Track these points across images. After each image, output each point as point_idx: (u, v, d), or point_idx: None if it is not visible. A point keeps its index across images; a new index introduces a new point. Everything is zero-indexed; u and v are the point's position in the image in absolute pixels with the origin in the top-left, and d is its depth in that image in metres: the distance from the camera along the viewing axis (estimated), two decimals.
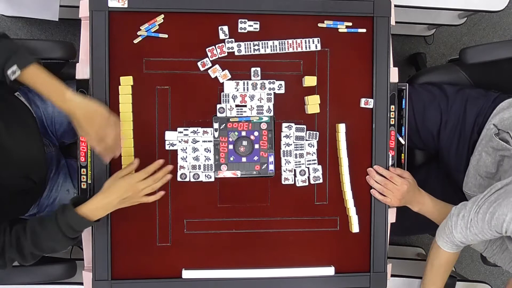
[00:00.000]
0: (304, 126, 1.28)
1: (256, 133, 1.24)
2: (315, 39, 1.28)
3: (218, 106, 1.25)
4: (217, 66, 1.26)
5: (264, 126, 1.23)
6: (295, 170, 1.29)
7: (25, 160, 1.24)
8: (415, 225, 1.51)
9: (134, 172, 1.18)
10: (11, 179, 1.22)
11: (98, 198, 1.15)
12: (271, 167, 1.24)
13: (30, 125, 1.32)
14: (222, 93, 1.25)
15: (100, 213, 1.15)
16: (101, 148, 1.13)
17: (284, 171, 1.29)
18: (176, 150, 1.26)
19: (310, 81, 1.27)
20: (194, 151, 1.25)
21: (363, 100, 1.29)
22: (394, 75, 1.32)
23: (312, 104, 1.27)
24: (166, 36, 1.25)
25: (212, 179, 1.26)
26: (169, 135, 1.25)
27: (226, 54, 1.26)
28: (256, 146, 1.24)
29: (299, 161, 1.29)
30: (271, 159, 1.24)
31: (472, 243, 1.21)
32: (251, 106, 1.26)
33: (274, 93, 1.27)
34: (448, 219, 1.20)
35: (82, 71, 1.25)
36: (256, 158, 1.24)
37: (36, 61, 1.08)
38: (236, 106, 1.26)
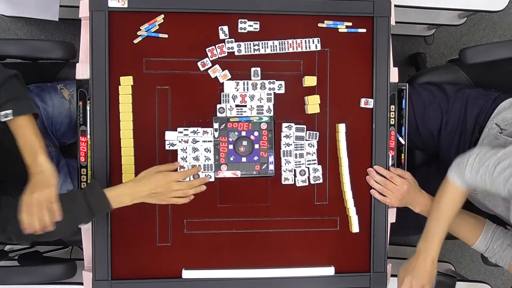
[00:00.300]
0: (304, 126, 1.28)
1: (256, 133, 1.24)
2: (315, 39, 1.28)
3: (218, 106, 1.25)
4: (217, 66, 1.26)
5: (264, 126, 1.23)
6: (295, 170, 1.29)
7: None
8: (415, 225, 1.50)
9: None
10: (12, 180, 1.22)
11: (128, 184, 1.14)
12: (271, 167, 1.24)
13: None
14: (222, 93, 1.25)
15: (126, 200, 1.14)
16: (28, 219, 1.06)
17: (284, 171, 1.29)
18: (176, 150, 1.26)
19: (310, 81, 1.27)
20: (194, 151, 1.25)
21: (363, 100, 1.29)
22: (394, 75, 1.32)
23: (312, 104, 1.27)
24: (166, 36, 1.25)
25: (212, 179, 1.26)
26: (169, 135, 1.25)
27: (226, 54, 1.26)
28: (256, 146, 1.24)
29: (299, 161, 1.29)
30: (271, 159, 1.24)
31: (476, 190, 1.19)
32: (251, 106, 1.26)
33: (274, 93, 1.27)
34: (468, 155, 1.17)
35: (82, 71, 1.25)
36: (256, 158, 1.24)
37: (32, 113, 1.10)
38: (236, 106, 1.26)
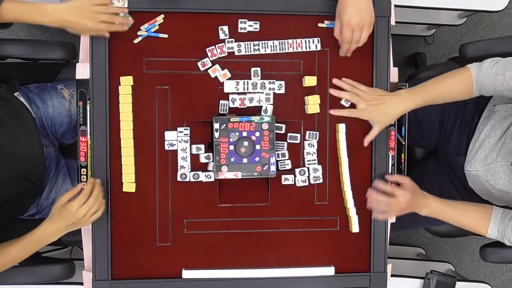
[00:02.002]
0: (298, 135, 1.28)
1: (257, 134, 1.23)
2: (315, 39, 1.28)
3: (223, 102, 1.25)
4: (217, 66, 1.26)
5: (265, 126, 1.22)
6: (295, 170, 1.29)
7: (24, 160, 1.24)
8: (413, 220, 1.50)
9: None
10: (10, 180, 1.22)
11: (44, 225, 1.16)
12: (273, 168, 1.23)
13: (29, 126, 1.32)
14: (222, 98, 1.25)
15: (50, 239, 1.17)
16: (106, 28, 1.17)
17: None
18: (176, 150, 1.26)
19: (310, 81, 1.27)
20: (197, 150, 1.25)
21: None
22: (394, 75, 1.32)
23: (312, 104, 1.27)
24: (166, 36, 1.25)
25: (212, 179, 1.26)
26: (169, 135, 1.25)
27: (226, 54, 1.26)
28: (258, 146, 1.23)
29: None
30: (273, 160, 1.23)
31: (484, 87, 1.18)
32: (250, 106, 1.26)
33: (274, 93, 1.27)
34: (491, 59, 1.18)
35: (82, 71, 1.24)
36: (257, 159, 1.23)
37: None
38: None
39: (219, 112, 1.26)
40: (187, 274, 1.26)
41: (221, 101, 1.26)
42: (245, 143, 1.22)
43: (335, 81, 1.28)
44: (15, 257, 1.18)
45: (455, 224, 1.28)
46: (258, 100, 1.26)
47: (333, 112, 1.27)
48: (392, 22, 1.30)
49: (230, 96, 1.25)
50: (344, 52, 1.27)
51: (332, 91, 1.27)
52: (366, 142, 1.26)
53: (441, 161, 1.58)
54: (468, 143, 1.41)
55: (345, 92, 1.26)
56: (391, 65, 1.31)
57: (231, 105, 1.25)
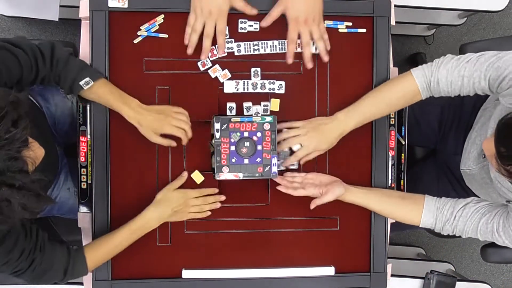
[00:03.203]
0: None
1: (259, 134, 1.22)
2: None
3: (229, 104, 1.26)
4: (217, 66, 1.25)
5: (267, 126, 1.21)
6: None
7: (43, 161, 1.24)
8: None
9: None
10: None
11: (151, 209, 1.19)
12: (274, 169, 1.22)
13: (43, 125, 1.33)
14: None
15: (154, 224, 1.20)
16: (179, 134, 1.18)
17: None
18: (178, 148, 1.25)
19: (274, 104, 1.26)
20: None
21: None
22: (394, 75, 1.32)
23: (274, 104, 1.27)
24: (166, 36, 1.25)
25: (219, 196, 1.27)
26: None
27: (226, 54, 1.26)
28: (259, 147, 1.22)
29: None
30: (274, 160, 1.22)
31: (444, 88, 1.15)
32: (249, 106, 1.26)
33: (274, 93, 1.27)
34: (442, 57, 1.16)
35: None
36: (259, 159, 1.22)
37: (104, 76, 1.18)
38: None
39: (228, 114, 1.26)
40: (187, 274, 1.26)
41: (228, 104, 1.26)
42: (246, 144, 1.21)
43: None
44: (122, 243, 1.18)
45: (379, 213, 1.27)
46: (256, 112, 1.26)
47: (285, 164, 1.27)
48: (392, 22, 1.30)
49: (228, 105, 1.26)
50: (290, 54, 1.21)
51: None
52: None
53: (439, 161, 1.58)
54: (464, 142, 1.41)
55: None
56: (391, 65, 1.31)
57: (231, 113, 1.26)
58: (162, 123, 1.16)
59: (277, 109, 1.27)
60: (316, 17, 1.16)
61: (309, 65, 1.23)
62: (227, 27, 1.24)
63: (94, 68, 1.20)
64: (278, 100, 1.26)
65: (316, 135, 1.23)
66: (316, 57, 1.28)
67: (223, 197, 1.25)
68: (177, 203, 1.20)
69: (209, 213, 1.25)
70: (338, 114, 1.23)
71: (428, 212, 1.23)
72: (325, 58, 1.24)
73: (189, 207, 1.22)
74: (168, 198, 1.20)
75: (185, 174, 1.24)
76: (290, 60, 1.23)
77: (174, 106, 1.20)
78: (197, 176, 1.25)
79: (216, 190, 1.25)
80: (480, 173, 1.31)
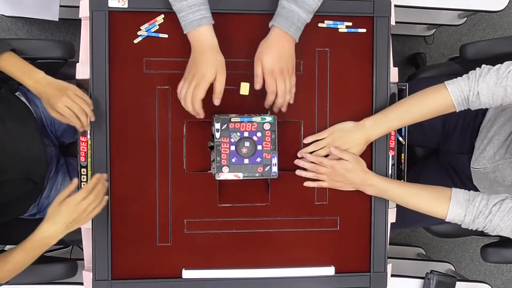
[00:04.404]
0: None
1: (259, 134, 1.22)
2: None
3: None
4: None
5: (267, 126, 1.21)
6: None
7: (26, 160, 1.24)
8: (413, 217, 1.50)
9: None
10: (12, 181, 1.22)
11: (43, 227, 1.11)
12: (274, 169, 1.22)
13: (31, 125, 1.32)
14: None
15: (50, 241, 1.12)
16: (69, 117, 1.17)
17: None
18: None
19: (244, 88, 1.23)
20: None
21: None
22: (394, 75, 1.32)
23: (244, 88, 1.24)
24: (166, 36, 1.25)
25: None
26: None
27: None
28: (259, 147, 1.22)
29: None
30: (275, 160, 1.22)
31: (485, 100, 1.13)
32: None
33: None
34: (477, 70, 1.14)
35: (82, 71, 1.24)
36: (259, 159, 1.22)
37: (11, 49, 1.19)
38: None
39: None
40: (187, 274, 1.26)
41: None
42: (247, 144, 1.21)
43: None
44: (20, 263, 1.14)
45: (405, 205, 1.24)
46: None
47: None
48: (392, 22, 1.30)
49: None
50: (269, 103, 1.21)
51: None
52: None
53: (442, 160, 1.58)
54: (471, 141, 1.41)
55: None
56: (391, 65, 1.31)
57: None
58: (55, 99, 1.14)
59: (247, 93, 1.22)
60: (290, 68, 1.17)
61: (276, 110, 1.23)
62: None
63: (1, 41, 1.20)
64: (248, 84, 1.22)
65: (343, 145, 1.24)
66: (316, 57, 1.28)
67: (104, 175, 1.18)
68: (68, 216, 1.11)
69: (104, 203, 1.17)
70: (366, 121, 1.23)
71: (456, 203, 1.16)
72: (283, 109, 1.23)
73: (84, 211, 1.12)
74: (57, 213, 1.11)
75: (74, 181, 1.15)
76: (267, 106, 1.23)
77: (80, 90, 1.18)
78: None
79: (99, 175, 1.16)
80: (494, 172, 1.32)
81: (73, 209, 1.11)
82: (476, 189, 1.41)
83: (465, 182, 1.45)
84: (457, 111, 1.17)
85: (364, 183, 1.25)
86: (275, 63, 1.15)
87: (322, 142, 1.26)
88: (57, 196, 1.13)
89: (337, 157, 1.24)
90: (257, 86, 1.19)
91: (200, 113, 1.17)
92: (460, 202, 1.16)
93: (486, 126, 1.37)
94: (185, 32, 1.15)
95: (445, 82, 1.17)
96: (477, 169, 1.38)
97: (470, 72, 1.16)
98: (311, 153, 1.27)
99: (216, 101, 1.15)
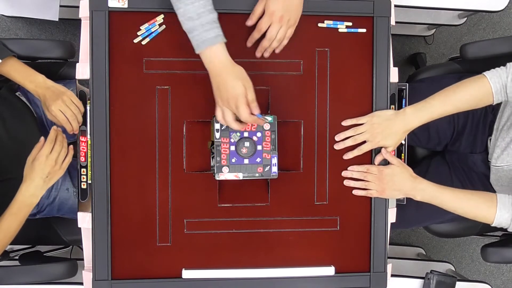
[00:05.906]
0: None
1: (259, 134, 1.22)
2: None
3: None
4: None
5: (267, 126, 1.22)
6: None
7: (26, 159, 1.24)
8: (416, 217, 1.50)
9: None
10: (12, 180, 1.22)
11: (23, 188, 1.17)
12: (274, 169, 1.22)
13: (31, 125, 1.33)
14: None
15: (33, 200, 1.18)
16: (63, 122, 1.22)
17: None
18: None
19: None
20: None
21: None
22: (394, 75, 1.32)
23: None
24: (164, 27, 1.24)
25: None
26: None
27: None
28: (259, 147, 1.22)
29: None
30: (274, 160, 1.22)
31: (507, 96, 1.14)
32: None
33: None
34: None
35: (82, 71, 1.25)
36: (259, 160, 1.22)
37: (13, 55, 1.23)
38: None
39: None
40: (187, 274, 1.26)
41: None
42: (246, 144, 1.21)
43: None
44: (10, 229, 1.17)
45: (454, 210, 1.24)
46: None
47: (346, 156, 1.28)
48: (392, 22, 1.30)
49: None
50: (252, 40, 1.21)
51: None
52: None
53: (450, 161, 1.56)
54: (483, 140, 1.40)
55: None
56: (391, 65, 1.31)
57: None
58: (51, 102, 1.20)
59: None
60: (292, 19, 1.16)
61: (258, 54, 1.23)
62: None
63: (2, 47, 1.25)
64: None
65: (381, 131, 1.23)
66: (316, 57, 1.28)
67: (59, 129, 1.22)
68: (42, 171, 1.16)
69: (72, 151, 1.22)
70: (407, 109, 1.22)
71: (503, 207, 1.18)
72: (266, 54, 1.23)
73: (55, 162, 1.17)
74: (31, 170, 1.16)
75: (41, 140, 1.18)
76: (249, 44, 1.23)
77: (76, 97, 1.23)
78: None
79: (54, 127, 1.21)
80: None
81: (45, 162, 1.16)
82: (490, 187, 1.40)
83: (476, 180, 1.44)
84: (494, 103, 1.18)
85: (414, 188, 1.24)
86: (279, 8, 1.14)
87: (361, 128, 1.25)
88: (28, 157, 1.18)
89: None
90: (249, 22, 1.19)
91: (259, 121, 1.16)
92: (507, 206, 1.18)
93: (507, 124, 1.34)
94: (197, 52, 1.13)
95: (485, 72, 1.18)
96: (500, 167, 1.36)
97: (508, 63, 1.16)
98: (348, 137, 1.26)
99: (255, 110, 1.14)
